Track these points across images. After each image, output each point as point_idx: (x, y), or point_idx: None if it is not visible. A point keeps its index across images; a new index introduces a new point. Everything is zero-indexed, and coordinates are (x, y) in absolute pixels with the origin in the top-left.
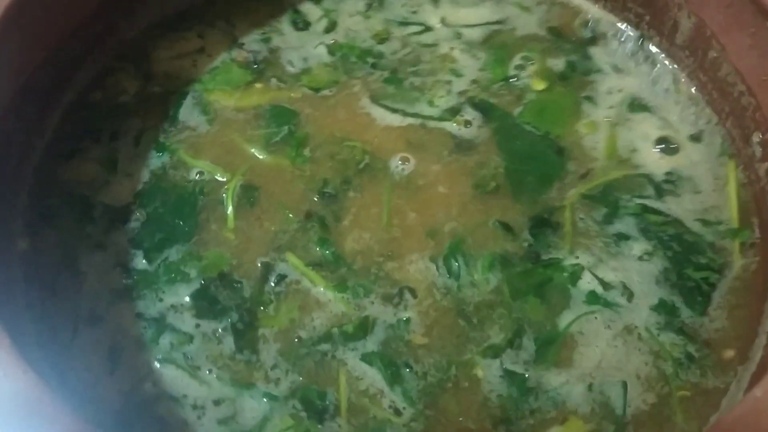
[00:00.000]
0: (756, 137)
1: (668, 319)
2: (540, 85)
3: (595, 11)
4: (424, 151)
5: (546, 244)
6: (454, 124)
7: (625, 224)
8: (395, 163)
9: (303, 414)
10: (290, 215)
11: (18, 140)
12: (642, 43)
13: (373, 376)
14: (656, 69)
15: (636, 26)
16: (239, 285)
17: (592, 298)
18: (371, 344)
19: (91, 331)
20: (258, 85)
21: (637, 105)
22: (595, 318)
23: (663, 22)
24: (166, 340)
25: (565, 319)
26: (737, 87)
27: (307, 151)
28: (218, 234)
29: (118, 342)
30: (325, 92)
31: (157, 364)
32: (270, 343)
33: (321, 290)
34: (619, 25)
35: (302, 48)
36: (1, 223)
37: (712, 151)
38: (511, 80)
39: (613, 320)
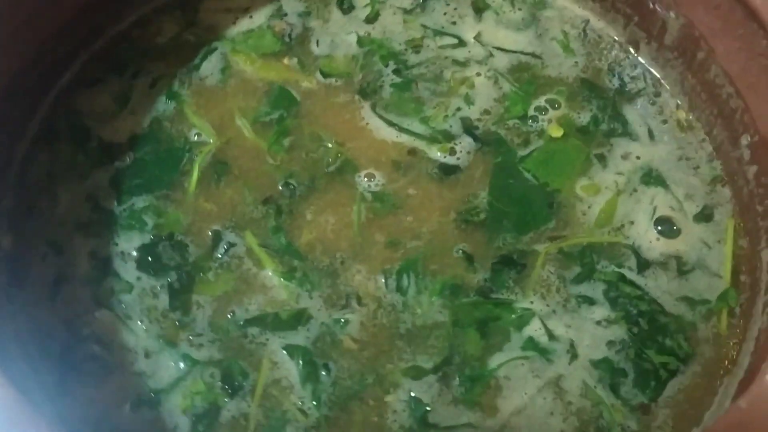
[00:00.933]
0: (744, 140)
1: (608, 379)
2: (557, 133)
3: (634, 61)
4: (402, 170)
5: (503, 284)
6: (438, 152)
7: (594, 289)
8: (362, 177)
9: (218, 384)
10: (249, 196)
11: (46, 66)
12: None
13: (290, 369)
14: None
15: (624, 27)
16: (186, 248)
17: (529, 344)
18: (300, 338)
19: (53, 260)
20: (285, 61)
21: (653, 177)
22: (522, 365)
23: (652, 23)
24: (108, 284)
25: (496, 360)
26: (725, 89)
27: (286, 141)
28: (185, 195)
29: (66, 275)
30: (333, 81)
31: (93, 305)
32: (203, 310)
33: (268, 273)
34: (653, 71)
35: (335, 33)
36: (6, 142)
37: (716, 233)
38: (528, 120)
39: (544, 370)
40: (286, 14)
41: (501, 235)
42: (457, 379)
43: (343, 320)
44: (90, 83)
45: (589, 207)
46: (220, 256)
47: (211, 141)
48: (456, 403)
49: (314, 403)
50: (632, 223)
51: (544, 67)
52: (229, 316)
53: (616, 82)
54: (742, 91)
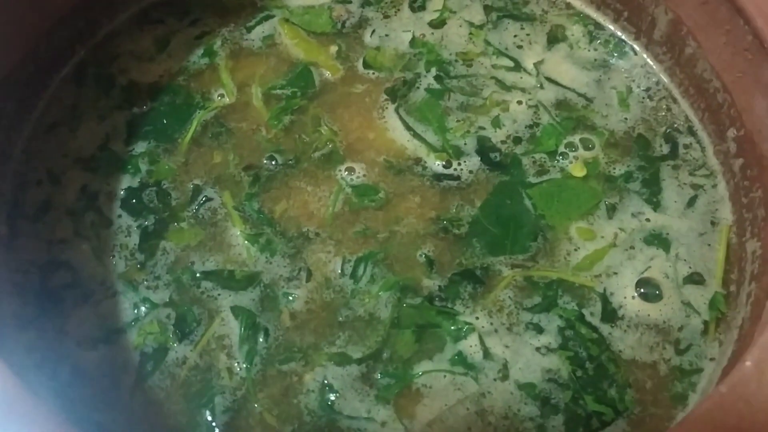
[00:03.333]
0: (731, 133)
1: (534, 405)
2: (578, 172)
3: (694, 140)
4: (394, 170)
5: (456, 295)
6: (437, 160)
7: (549, 321)
8: (343, 170)
9: (170, 326)
10: (234, 161)
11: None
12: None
13: (234, 328)
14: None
15: (614, 21)
16: (169, 197)
17: (458, 359)
18: (247, 299)
19: (47, 187)
20: (326, 46)
21: (658, 240)
22: (444, 377)
23: (641, 18)
24: (88, 218)
25: (422, 367)
26: (713, 83)
27: (287, 119)
28: (180, 147)
29: (53, 201)
30: (370, 73)
31: (71, 235)
32: (167, 256)
33: (237, 233)
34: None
35: (394, 28)
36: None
37: (704, 296)
38: (557, 156)
39: (467, 385)
40: (351, 1)
41: (471, 249)
42: (379, 374)
43: (291, 296)
44: (149, 22)
45: (575, 249)
46: (196, 209)
47: (228, 102)
48: (368, 396)
49: (245, 365)
50: (616, 274)
51: (591, 112)
52: (189, 265)
53: (666, 149)
54: (728, 86)
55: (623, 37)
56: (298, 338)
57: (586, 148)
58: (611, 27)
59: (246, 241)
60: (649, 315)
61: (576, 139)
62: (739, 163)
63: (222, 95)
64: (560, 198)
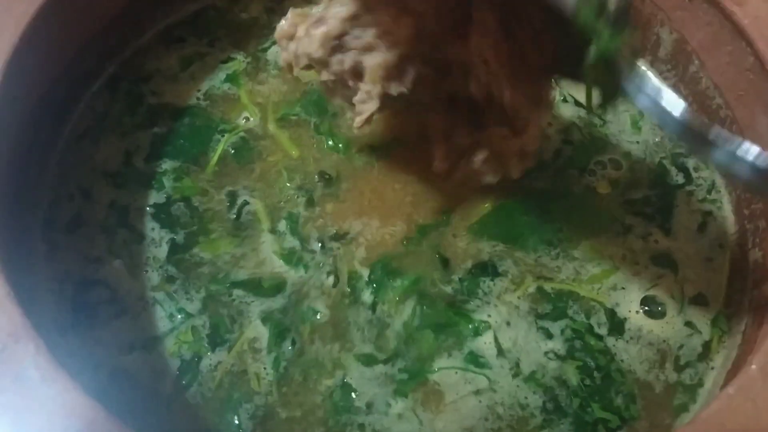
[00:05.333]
0: None
1: (543, 405)
2: (603, 189)
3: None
4: None
5: (475, 288)
6: None
7: (559, 329)
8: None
9: (205, 335)
10: (259, 176)
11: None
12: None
13: (264, 334)
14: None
15: None
16: (197, 210)
17: (472, 357)
18: (275, 306)
19: (78, 201)
20: None
21: (664, 260)
22: (456, 373)
23: (647, 37)
24: (120, 236)
25: (440, 363)
26: (715, 101)
27: (306, 139)
28: (205, 166)
29: (85, 216)
30: None
31: (105, 253)
32: (200, 267)
33: (265, 243)
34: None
35: None
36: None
37: (706, 316)
38: (585, 173)
39: (480, 382)
40: None
41: (496, 240)
42: (397, 370)
43: (317, 301)
44: (174, 40)
45: (589, 262)
46: (227, 220)
47: (249, 122)
48: (387, 389)
49: (273, 370)
50: (624, 288)
51: (606, 131)
52: (220, 274)
53: (681, 179)
54: (730, 103)
55: None
56: (323, 340)
57: (615, 168)
58: None
59: (273, 251)
60: (652, 331)
61: (605, 157)
62: None
63: (246, 118)
64: (578, 212)
